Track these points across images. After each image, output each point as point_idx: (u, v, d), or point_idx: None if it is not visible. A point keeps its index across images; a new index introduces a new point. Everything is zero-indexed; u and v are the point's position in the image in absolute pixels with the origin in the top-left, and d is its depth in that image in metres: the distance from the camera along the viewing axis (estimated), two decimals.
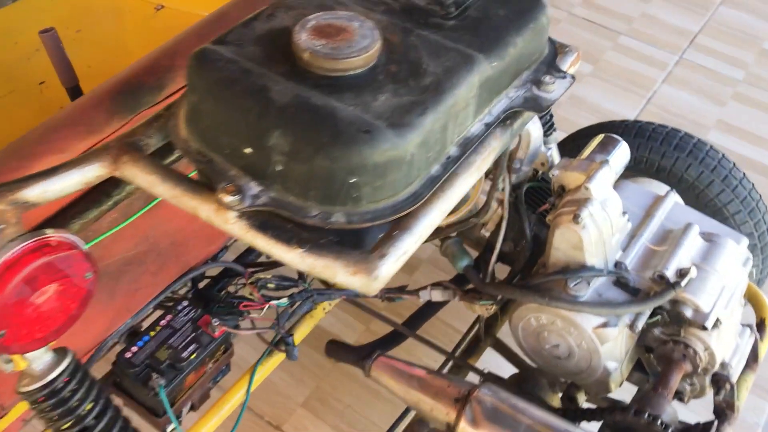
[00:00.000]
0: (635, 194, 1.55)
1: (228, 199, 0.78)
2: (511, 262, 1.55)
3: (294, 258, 0.77)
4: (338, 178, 0.76)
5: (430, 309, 1.68)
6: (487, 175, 1.54)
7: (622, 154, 1.45)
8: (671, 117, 2.78)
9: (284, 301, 1.51)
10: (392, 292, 1.62)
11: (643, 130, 1.81)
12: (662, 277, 1.36)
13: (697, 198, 1.75)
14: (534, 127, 1.46)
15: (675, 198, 1.54)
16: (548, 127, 1.80)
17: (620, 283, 1.38)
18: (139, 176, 0.85)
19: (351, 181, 0.76)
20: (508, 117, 0.93)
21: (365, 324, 2.10)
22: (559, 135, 1.73)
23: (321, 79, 0.81)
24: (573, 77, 0.99)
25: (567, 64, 1.03)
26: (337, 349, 1.55)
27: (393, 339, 1.66)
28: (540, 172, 1.55)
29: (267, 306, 1.48)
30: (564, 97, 2.77)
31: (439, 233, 1.48)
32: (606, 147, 1.45)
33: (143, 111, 1.03)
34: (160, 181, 0.83)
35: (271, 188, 0.80)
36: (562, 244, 1.38)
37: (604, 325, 1.35)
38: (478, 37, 0.91)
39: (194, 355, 1.40)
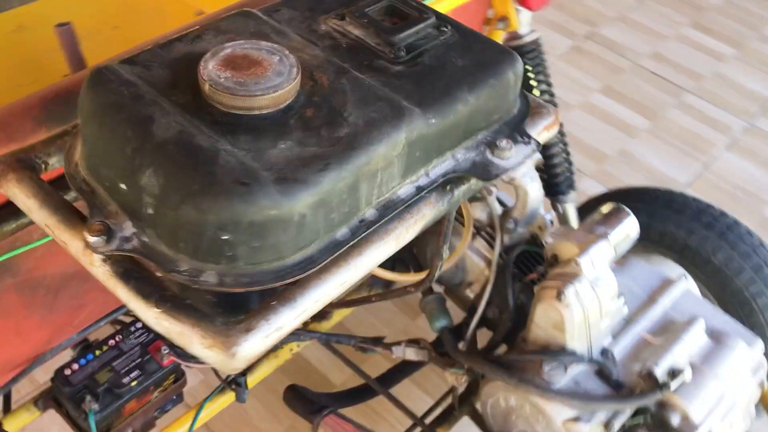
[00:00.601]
0: (642, 274, 1.39)
1: (92, 239, 0.69)
2: (494, 329, 1.40)
3: (149, 317, 0.67)
4: (207, 233, 0.65)
5: (407, 367, 1.56)
6: (479, 230, 1.41)
7: (627, 229, 1.29)
8: (729, 188, 2.57)
9: None
10: (366, 343, 1.50)
11: (673, 201, 1.64)
12: (650, 375, 1.19)
13: (722, 285, 1.57)
14: (533, 186, 1.32)
15: (687, 285, 1.37)
16: (566, 186, 1.66)
17: (603, 374, 1.22)
18: (19, 198, 0.76)
19: (223, 238, 0.65)
20: (450, 182, 0.81)
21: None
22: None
23: (222, 116, 0.71)
24: (539, 144, 0.86)
25: (538, 128, 0.89)
26: (293, 397, 1.43)
27: (360, 394, 1.53)
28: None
29: None
30: (613, 151, 2.62)
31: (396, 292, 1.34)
32: (610, 219, 1.30)
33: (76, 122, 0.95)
34: (38, 207, 0.75)
35: (145, 232, 0.70)
36: (543, 321, 1.24)
37: (576, 419, 1.19)
38: (423, 87, 0.78)
39: (136, 382, 1.31)
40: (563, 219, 1.72)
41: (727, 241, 1.57)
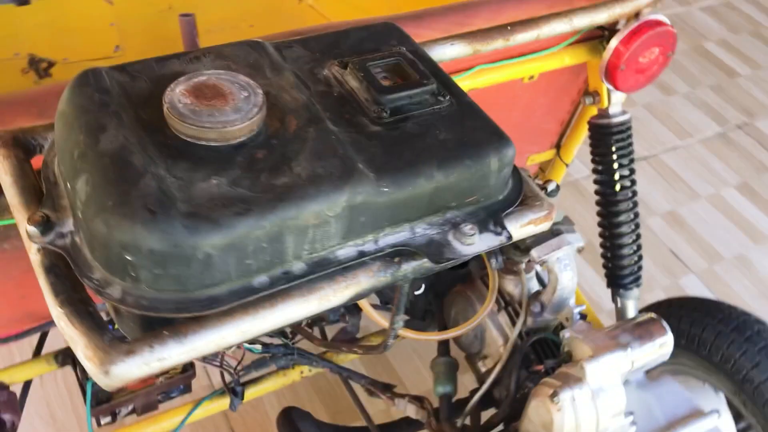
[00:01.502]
0: (670, 397, 1.27)
1: (29, 227, 0.72)
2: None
3: (53, 314, 0.69)
4: (113, 250, 0.66)
5: (413, 423, 1.50)
6: (508, 305, 1.35)
7: (657, 346, 1.19)
8: None
9: (257, 347, 1.43)
10: (375, 386, 1.47)
11: (748, 326, 1.49)
12: None
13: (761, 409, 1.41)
14: (565, 273, 1.24)
15: (718, 422, 1.24)
16: (630, 280, 1.55)
17: None
18: (0, 173, 0.81)
19: (125, 257, 0.66)
20: (400, 254, 0.77)
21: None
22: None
23: (174, 140, 0.72)
24: (510, 236, 0.80)
25: (523, 220, 0.83)
26: (284, 421, 1.43)
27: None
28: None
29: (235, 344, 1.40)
30: (730, 254, 2.41)
31: None
32: (641, 330, 1.20)
33: None
34: (9, 185, 0.79)
35: (78, 233, 0.72)
36: (534, 418, 1.16)
37: None
38: (390, 153, 0.76)
39: None
40: (620, 315, 1.60)
41: None
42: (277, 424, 1.41)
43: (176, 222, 0.64)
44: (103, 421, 1.41)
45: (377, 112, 0.79)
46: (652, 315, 1.23)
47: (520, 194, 0.84)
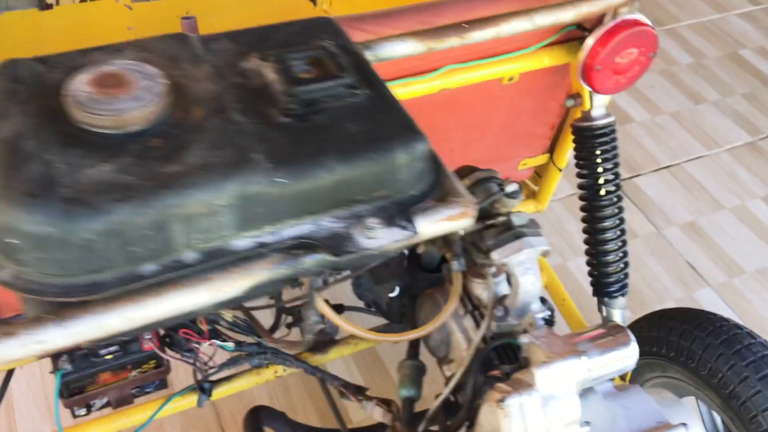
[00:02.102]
0: (638, 408, 1.22)
1: None
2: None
3: None
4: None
5: (384, 428, 1.48)
6: (476, 309, 1.32)
7: (619, 356, 1.15)
8: None
9: (229, 345, 1.43)
10: (347, 388, 1.46)
11: (722, 333, 1.44)
12: None
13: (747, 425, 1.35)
14: (526, 278, 1.20)
15: None
16: (616, 290, 1.50)
17: None
18: None
19: (8, 241, 0.67)
20: (302, 246, 0.76)
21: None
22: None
23: (71, 127, 0.72)
24: (416, 232, 0.78)
25: (437, 217, 0.81)
26: (249, 420, 1.42)
27: None
28: None
29: (207, 342, 1.41)
30: (751, 268, 2.32)
31: None
32: (604, 339, 1.16)
33: None
34: None
35: None
36: (485, 424, 1.13)
37: None
38: (293, 145, 0.75)
39: (111, 356, 1.37)
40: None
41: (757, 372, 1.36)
42: (244, 423, 1.41)
43: (54, 206, 0.65)
44: (78, 413, 1.43)
45: (288, 103, 0.78)
46: (618, 323, 1.19)
47: (436, 190, 0.82)
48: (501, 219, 1.24)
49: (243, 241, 0.74)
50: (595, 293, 1.52)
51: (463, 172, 1.29)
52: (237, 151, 0.72)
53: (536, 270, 1.22)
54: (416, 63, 1.27)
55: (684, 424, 1.20)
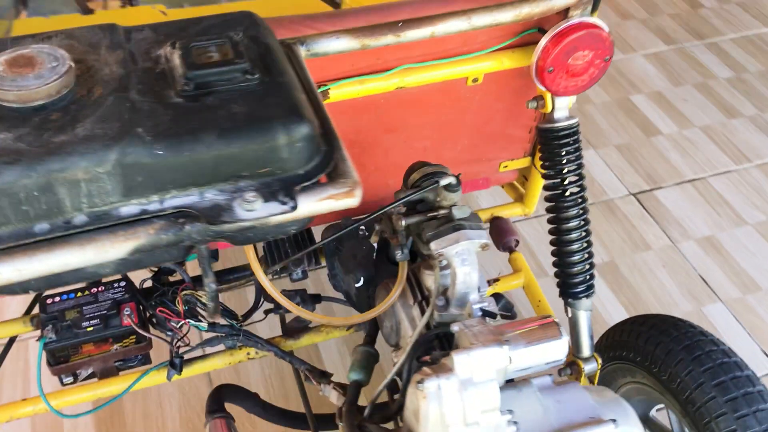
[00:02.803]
0: (571, 403, 1.23)
1: None
2: None
3: None
4: None
5: None
6: (426, 299, 1.36)
7: (546, 349, 1.17)
8: None
9: (203, 325, 1.52)
10: (312, 372, 1.53)
11: (685, 339, 1.44)
12: None
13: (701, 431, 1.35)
14: (462, 269, 1.24)
15: (617, 431, 1.20)
16: (580, 291, 1.51)
17: None
18: None
19: None
20: (185, 216, 0.83)
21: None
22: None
23: None
24: (295, 207, 0.85)
25: (322, 194, 0.87)
26: (215, 393, 1.50)
27: (292, 419, 1.55)
28: None
29: (182, 321, 1.50)
30: None
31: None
32: (534, 332, 1.19)
33: None
34: None
35: None
36: (409, 405, 1.18)
37: None
38: (178, 122, 0.82)
39: (92, 329, 1.48)
40: (572, 326, 1.56)
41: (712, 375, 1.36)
42: (208, 399, 1.49)
43: None
44: (65, 381, 1.55)
45: (183, 85, 0.86)
46: (552, 318, 1.21)
47: (324, 170, 0.88)
48: (443, 212, 1.29)
49: (130, 208, 0.82)
50: (561, 294, 1.54)
51: (415, 166, 1.34)
52: (122, 125, 0.80)
53: (473, 261, 1.26)
54: (373, 62, 1.33)
55: (613, 420, 1.21)
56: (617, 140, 2.75)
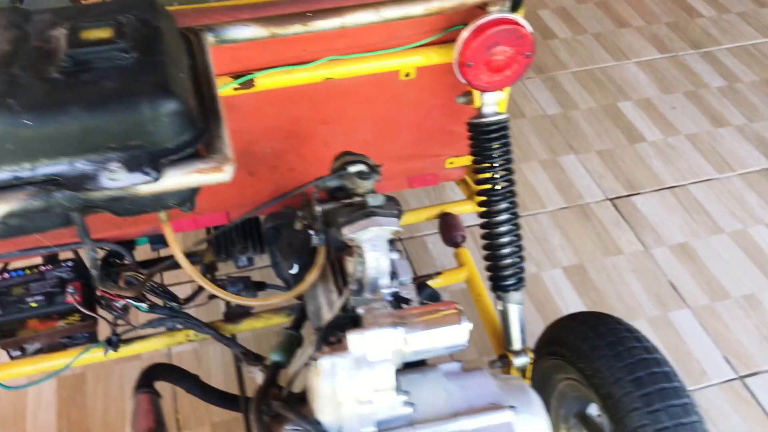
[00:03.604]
0: (474, 388, 1.26)
1: None
2: None
3: None
4: None
5: None
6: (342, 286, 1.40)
7: (444, 334, 1.20)
8: None
9: (144, 306, 1.57)
10: (246, 356, 1.57)
11: (610, 335, 1.45)
12: None
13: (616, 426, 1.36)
14: (371, 254, 1.27)
15: (510, 417, 1.21)
16: (511, 284, 1.53)
17: None
18: None
19: None
20: (53, 183, 0.89)
21: None
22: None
23: None
24: (157, 178, 0.89)
25: (188, 168, 0.91)
26: (152, 367, 1.54)
27: (227, 400, 1.59)
28: None
29: (122, 301, 1.56)
30: (738, 294, 2.25)
31: None
32: (433, 317, 1.21)
33: None
34: None
35: None
36: (308, 382, 1.21)
37: None
38: (50, 94, 0.87)
39: (36, 305, 1.55)
40: (504, 319, 1.58)
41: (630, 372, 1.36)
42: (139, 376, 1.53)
43: None
44: (13, 354, 1.62)
45: (63, 62, 0.91)
46: (454, 304, 1.23)
47: (194, 145, 0.93)
48: (358, 199, 1.32)
49: (2, 174, 0.88)
50: (492, 288, 1.55)
51: (339, 155, 1.38)
52: None
53: (384, 248, 1.29)
54: (299, 53, 1.37)
55: (512, 407, 1.23)
56: (600, 146, 2.75)
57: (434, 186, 2.50)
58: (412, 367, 1.28)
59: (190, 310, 1.65)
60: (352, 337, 1.15)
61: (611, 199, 2.56)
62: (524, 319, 2.18)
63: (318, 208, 1.31)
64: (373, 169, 1.30)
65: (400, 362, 1.20)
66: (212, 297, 1.71)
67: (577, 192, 2.58)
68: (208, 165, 0.92)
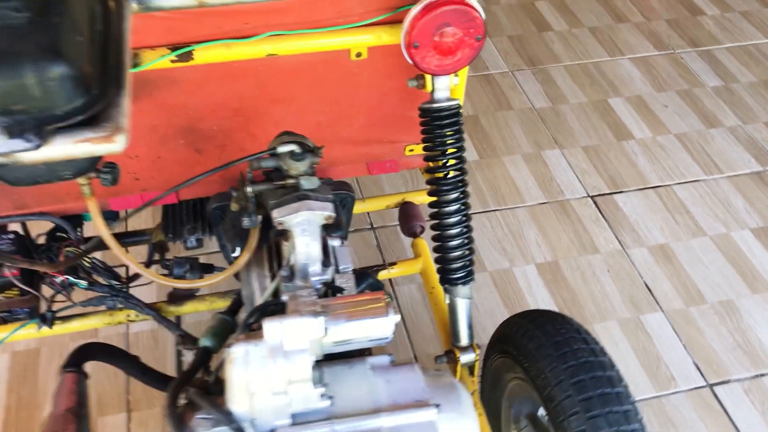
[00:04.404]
0: (400, 383, 1.19)
1: None
2: None
3: None
4: None
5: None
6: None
7: (369, 326, 1.14)
8: None
9: (83, 283, 1.53)
10: (185, 339, 1.52)
11: (557, 334, 1.39)
12: None
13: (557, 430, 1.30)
14: (301, 239, 1.21)
15: (433, 416, 1.15)
16: (459, 278, 1.47)
17: None
18: None
19: None
20: None
21: None
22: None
23: None
24: (39, 145, 0.84)
25: (75, 138, 0.86)
26: (84, 346, 1.49)
27: (159, 380, 1.54)
28: None
29: (60, 277, 1.51)
30: (714, 299, 2.19)
31: None
32: (360, 308, 1.15)
33: None
34: None
35: None
36: (225, 372, 1.15)
37: None
38: None
39: None
40: (451, 313, 1.52)
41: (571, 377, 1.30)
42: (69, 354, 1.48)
43: None
44: None
45: None
46: (383, 296, 1.17)
47: (87, 113, 0.87)
48: (291, 181, 1.26)
49: None
50: (441, 280, 1.49)
51: (279, 135, 1.32)
52: None
53: (315, 233, 1.23)
54: (241, 26, 1.31)
55: (437, 405, 1.17)
56: (586, 142, 2.67)
57: (409, 172, 2.44)
58: (340, 357, 1.22)
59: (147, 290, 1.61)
60: (268, 325, 1.09)
61: (593, 197, 2.48)
62: (492, 315, 2.14)
63: (249, 189, 1.25)
64: (311, 151, 1.24)
65: (320, 353, 1.14)
66: None
67: (558, 188, 2.51)
68: (99, 134, 0.86)
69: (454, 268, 1.46)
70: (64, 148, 0.86)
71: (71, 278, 1.50)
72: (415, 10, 1.25)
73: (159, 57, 1.29)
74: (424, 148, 1.43)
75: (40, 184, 0.94)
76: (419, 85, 1.39)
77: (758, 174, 2.58)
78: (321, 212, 1.22)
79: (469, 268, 1.48)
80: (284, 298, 1.17)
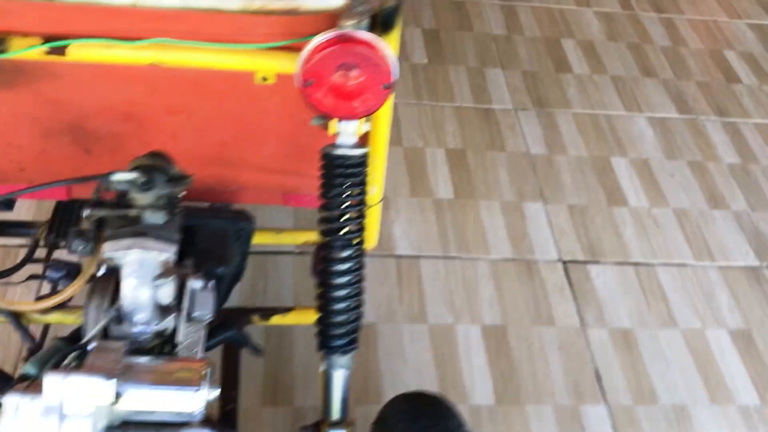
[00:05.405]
0: None
1: None
2: None
3: None
4: None
5: None
6: None
7: (171, 397, 0.98)
8: None
9: None
10: (30, 352, 1.38)
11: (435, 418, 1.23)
12: None
13: None
14: (128, 281, 1.06)
15: None
16: (341, 348, 1.29)
17: None
18: None
19: None
20: None
21: None
22: None
23: None
24: None
25: None
26: None
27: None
28: None
29: None
30: (669, 403, 1.97)
31: None
32: (173, 373, 1.00)
33: None
34: None
35: None
36: None
37: None
38: None
39: None
40: (324, 383, 1.34)
41: None
42: None
43: None
44: None
45: None
46: (205, 364, 1.01)
47: None
48: (134, 212, 1.11)
49: None
50: (319, 345, 1.32)
51: (147, 154, 1.18)
52: None
53: (147, 277, 1.08)
54: (126, 27, 1.16)
55: None
56: (574, 200, 2.46)
57: None
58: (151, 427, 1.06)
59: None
60: (49, 379, 0.94)
61: (564, 262, 2.28)
62: (420, 375, 1.96)
63: (87, 212, 1.10)
64: (174, 180, 1.08)
65: (115, 420, 0.99)
66: (32, 278, 1.54)
67: (530, 245, 2.31)
68: None
69: (336, 334, 1.29)
70: None
71: None
72: (315, 42, 1.08)
73: (28, 47, 1.14)
74: (320, 196, 1.27)
75: None
76: (323, 125, 1.22)
77: (753, 270, 2.34)
78: (158, 254, 1.06)
79: (352, 335, 1.30)
80: (90, 346, 1.02)
